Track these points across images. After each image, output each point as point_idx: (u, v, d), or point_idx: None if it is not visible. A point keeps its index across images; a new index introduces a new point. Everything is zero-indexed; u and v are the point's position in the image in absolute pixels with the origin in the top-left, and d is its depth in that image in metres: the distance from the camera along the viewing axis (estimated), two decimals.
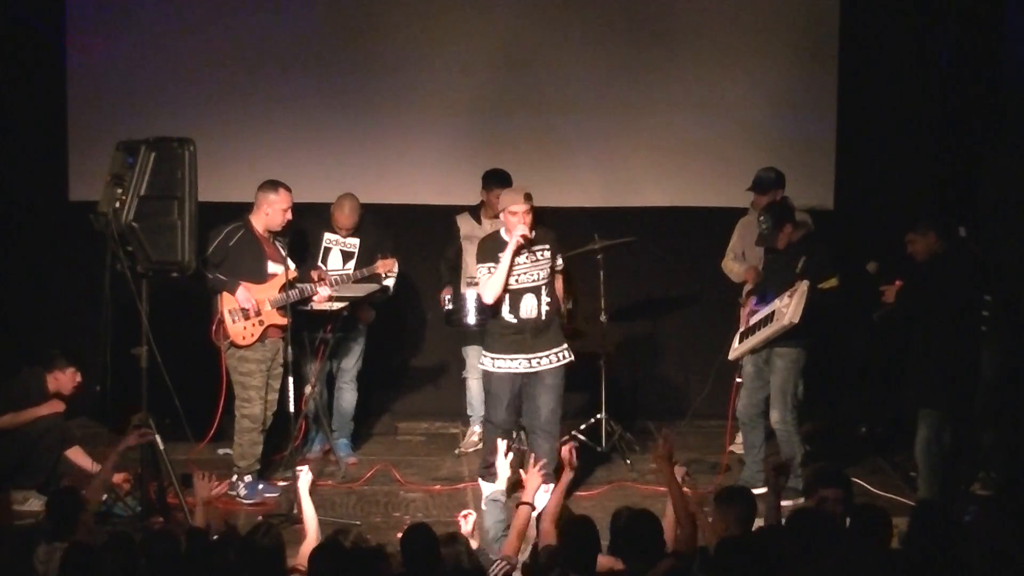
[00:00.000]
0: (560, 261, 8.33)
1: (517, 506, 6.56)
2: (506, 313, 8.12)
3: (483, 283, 8.14)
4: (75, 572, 5.67)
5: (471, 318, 9.11)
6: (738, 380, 8.78)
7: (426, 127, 10.18)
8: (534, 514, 6.64)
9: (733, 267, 9.28)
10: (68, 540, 6.02)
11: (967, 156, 9.90)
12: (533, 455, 7.55)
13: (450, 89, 10.15)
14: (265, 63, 10.04)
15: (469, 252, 9.48)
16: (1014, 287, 8.47)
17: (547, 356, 8.17)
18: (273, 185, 8.51)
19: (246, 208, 8.57)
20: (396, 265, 8.98)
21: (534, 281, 8.10)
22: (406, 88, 10.13)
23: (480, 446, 9.49)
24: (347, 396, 9.36)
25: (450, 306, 9.22)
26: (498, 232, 8.24)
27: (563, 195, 10.14)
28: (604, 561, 5.96)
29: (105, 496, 7.89)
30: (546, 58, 10.20)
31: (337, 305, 8.91)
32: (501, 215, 8.20)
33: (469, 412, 9.67)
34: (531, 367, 8.15)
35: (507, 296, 8.09)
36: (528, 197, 8.10)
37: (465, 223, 9.55)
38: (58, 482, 7.97)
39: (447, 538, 5.93)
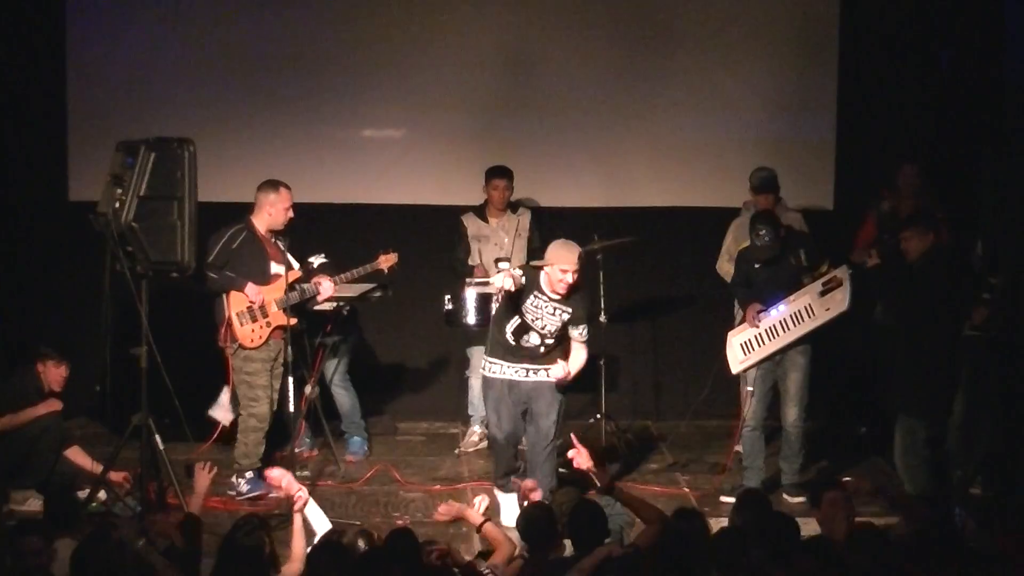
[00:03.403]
0: (580, 332, 7.97)
1: (478, 530, 6.73)
2: (509, 333, 7.95)
3: (491, 280, 8.17)
4: None
5: (471, 318, 9.12)
6: (748, 389, 8.64)
7: (427, 127, 10.18)
8: None
9: (729, 269, 9.26)
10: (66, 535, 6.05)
11: (967, 156, 9.89)
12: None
13: (450, 89, 10.15)
14: (265, 63, 10.04)
15: (479, 251, 9.48)
16: (1014, 286, 8.45)
17: (544, 370, 7.98)
18: (273, 185, 8.50)
19: (246, 208, 8.56)
20: (396, 258, 8.89)
21: (543, 328, 7.92)
22: (406, 88, 10.13)
23: (480, 446, 9.51)
24: (342, 397, 9.36)
25: (450, 306, 9.21)
26: (538, 272, 7.93)
27: (563, 195, 10.15)
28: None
29: (104, 496, 7.90)
30: (546, 58, 10.20)
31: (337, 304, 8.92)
32: (549, 268, 7.84)
33: (470, 412, 9.66)
34: (527, 377, 7.99)
35: (517, 321, 7.93)
36: (581, 257, 7.86)
37: (472, 223, 9.55)
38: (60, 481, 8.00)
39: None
